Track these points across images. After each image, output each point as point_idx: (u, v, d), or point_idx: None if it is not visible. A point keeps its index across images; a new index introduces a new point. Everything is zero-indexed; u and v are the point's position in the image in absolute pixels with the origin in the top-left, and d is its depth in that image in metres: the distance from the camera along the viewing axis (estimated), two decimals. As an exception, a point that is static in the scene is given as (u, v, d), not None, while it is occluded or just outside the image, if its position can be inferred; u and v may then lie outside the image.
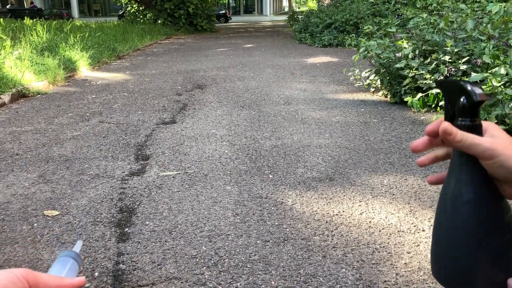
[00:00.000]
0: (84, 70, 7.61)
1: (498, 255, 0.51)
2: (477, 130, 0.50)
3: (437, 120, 0.55)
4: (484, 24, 4.16)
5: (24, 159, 3.27)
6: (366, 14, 11.89)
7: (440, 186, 0.55)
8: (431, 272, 0.58)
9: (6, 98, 5.10)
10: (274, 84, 6.13)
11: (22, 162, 3.21)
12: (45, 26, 9.58)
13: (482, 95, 0.49)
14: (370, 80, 5.37)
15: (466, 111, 0.50)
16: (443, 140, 0.52)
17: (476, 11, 5.65)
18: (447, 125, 0.50)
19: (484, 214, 0.51)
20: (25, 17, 13.11)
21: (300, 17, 17.87)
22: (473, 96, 0.49)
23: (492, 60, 3.73)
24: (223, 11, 33.82)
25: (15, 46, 6.90)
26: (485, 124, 0.51)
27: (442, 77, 4.19)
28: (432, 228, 0.56)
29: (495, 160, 0.48)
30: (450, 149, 0.56)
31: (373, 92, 5.39)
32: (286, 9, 57.42)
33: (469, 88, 0.49)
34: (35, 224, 2.28)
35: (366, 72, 5.44)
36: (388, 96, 5.02)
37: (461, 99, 0.50)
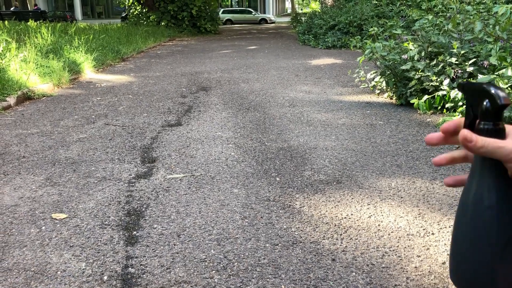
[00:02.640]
0: (89, 72, 7.62)
1: None
2: (500, 134, 0.49)
3: (454, 120, 0.54)
4: (491, 26, 4.15)
5: (31, 162, 3.27)
6: (369, 15, 11.88)
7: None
8: (449, 277, 0.58)
9: (11, 100, 5.12)
10: (279, 86, 6.12)
11: (29, 165, 3.21)
12: (49, 28, 9.60)
13: (506, 98, 0.48)
14: (376, 82, 5.36)
15: (489, 114, 0.49)
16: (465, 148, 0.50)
17: (482, 12, 5.63)
18: (466, 132, 0.49)
19: (506, 219, 0.50)
20: (29, 20, 13.15)
21: (303, 18, 17.88)
22: (497, 99, 0.48)
23: (499, 62, 3.71)
24: (226, 13, 33.82)
25: (20, 49, 6.92)
26: (508, 127, 0.50)
27: (448, 79, 4.17)
28: (451, 232, 0.55)
29: None
30: (467, 151, 0.54)
31: (379, 94, 5.38)
32: (289, 11, 57.43)
33: (493, 91, 0.48)
34: (43, 227, 2.28)
35: (371, 74, 5.43)
36: (394, 98, 5.01)
37: (484, 103, 0.49)
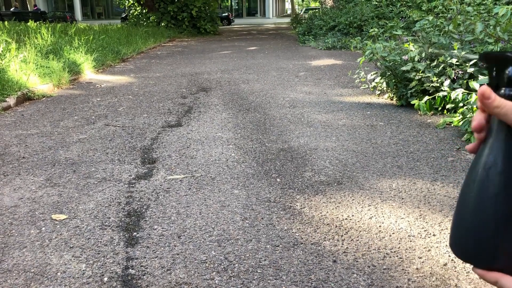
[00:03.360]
0: (89, 73, 7.62)
1: None
2: None
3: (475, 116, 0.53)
4: (491, 27, 4.15)
5: (31, 163, 3.26)
6: (370, 16, 11.88)
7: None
8: (449, 245, 0.57)
9: (11, 101, 5.11)
10: (279, 87, 6.12)
11: (29, 166, 3.20)
12: (49, 29, 9.60)
13: None
14: (376, 82, 5.35)
15: None
16: (481, 105, 0.50)
17: (482, 13, 5.63)
18: (485, 88, 0.49)
19: None
20: (29, 20, 13.15)
21: (303, 17, 17.90)
22: None
23: (500, 63, 3.70)
24: (226, 14, 33.85)
25: (20, 49, 6.91)
26: None
27: (449, 80, 4.17)
28: (457, 199, 0.54)
29: None
30: None
31: (379, 95, 5.37)
32: (289, 12, 57.50)
33: None
34: (43, 228, 2.27)
35: (371, 75, 5.42)
36: (394, 99, 5.00)
37: (508, 69, 0.49)
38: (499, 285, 0.49)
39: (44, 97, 5.68)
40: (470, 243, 0.52)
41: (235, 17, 40.59)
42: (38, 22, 13.63)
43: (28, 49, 6.96)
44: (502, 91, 0.49)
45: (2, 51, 6.12)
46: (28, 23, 12.57)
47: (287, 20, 34.29)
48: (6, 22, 13.57)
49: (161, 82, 6.78)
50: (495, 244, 0.50)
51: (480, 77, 3.76)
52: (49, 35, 8.92)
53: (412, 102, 4.45)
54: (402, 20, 9.16)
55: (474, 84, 3.74)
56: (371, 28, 6.82)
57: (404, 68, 4.54)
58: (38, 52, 7.27)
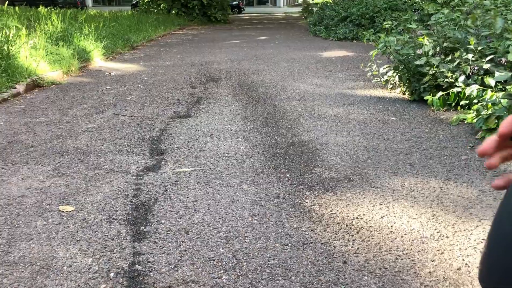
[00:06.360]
0: (98, 61, 7.59)
1: None
2: None
3: (509, 119, 0.49)
4: (510, 22, 4.03)
5: (39, 151, 3.25)
6: (382, 7, 11.70)
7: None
8: (478, 279, 0.54)
9: (21, 88, 5.09)
10: (289, 78, 6.05)
11: (37, 154, 3.18)
12: (60, 15, 9.55)
13: None
14: (388, 76, 5.26)
15: None
16: None
17: (499, 7, 5.49)
18: None
19: None
20: (40, 6, 13.12)
21: (314, 9, 17.70)
22: None
23: (518, 59, 3.61)
24: (237, 2, 33.57)
25: (30, 35, 6.89)
26: None
27: (464, 76, 4.08)
28: (488, 234, 0.51)
29: None
30: None
31: (391, 89, 5.29)
32: (300, 1, 56.97)
33: None
34: (50, 220, 2.25)
35: (384, 68, 5.33)
36: (407, 94, 4.91)
37: None
38: None
39: (54, 84, 5.66)
40: (504, 282, 0.49)
41: (246, 6, 40.24)
42: (48, 8, 13.59)
43: (38, 36, 6.93)
44: None
45: (12, 37, 6.10)
46: (39, 9, 12.54)
47: (298, 9, 33.94)
48: (17, 8, 13.56)
49: (171, 71, 6.73)
50: None
51: (496, 74, 3.66)
52: (59, 22, 8.87)
53: (426, 98, 4.36)
54: (416, 13, 9.00)
55: (489, 80, 3.65)
56: (384, 20, 6.70)
57: (417, 62, 4.44)
58: (48, 39, 7.24)
